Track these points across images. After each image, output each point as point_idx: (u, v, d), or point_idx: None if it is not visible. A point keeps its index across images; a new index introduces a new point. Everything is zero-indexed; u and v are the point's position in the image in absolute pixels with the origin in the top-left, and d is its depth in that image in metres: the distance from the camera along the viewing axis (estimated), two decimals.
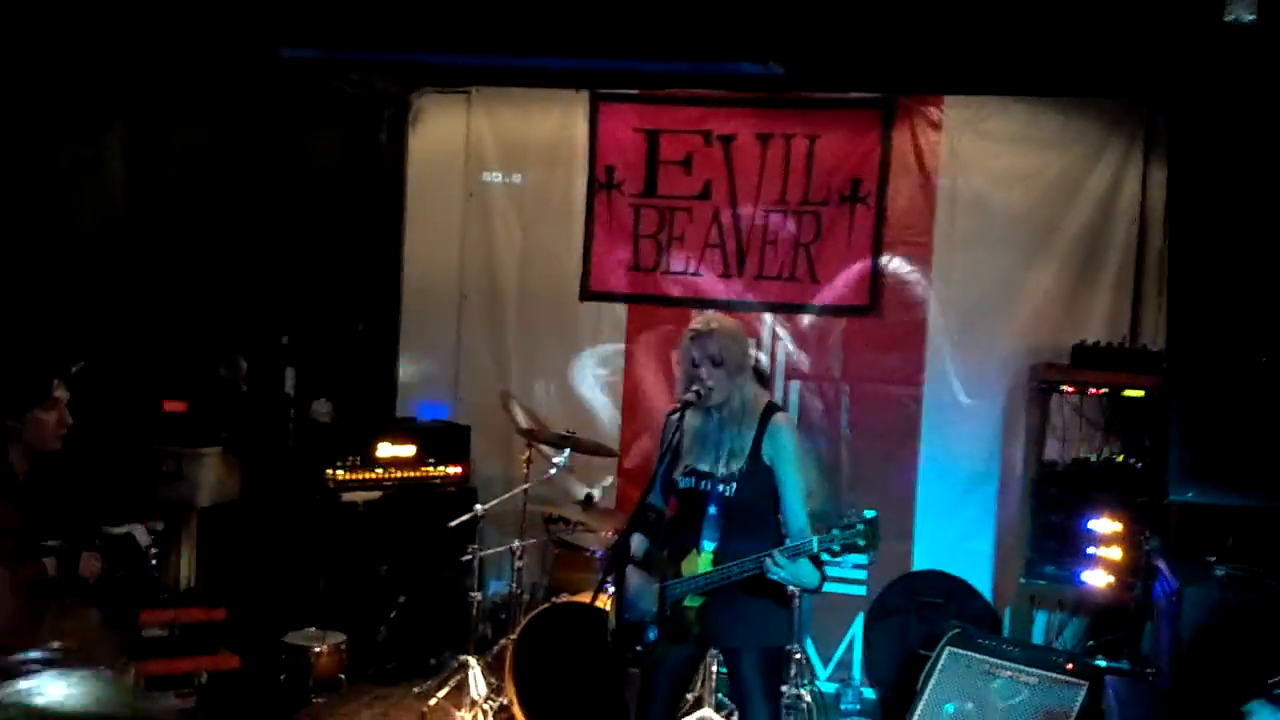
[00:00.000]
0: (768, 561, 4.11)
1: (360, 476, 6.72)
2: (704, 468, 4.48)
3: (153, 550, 5.17)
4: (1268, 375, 5.02)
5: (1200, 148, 5.68)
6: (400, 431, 6.97)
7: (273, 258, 6.92)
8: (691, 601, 4.32)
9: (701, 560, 4.30)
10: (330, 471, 6.64)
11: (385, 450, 6.82)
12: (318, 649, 6.06)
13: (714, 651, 4.83)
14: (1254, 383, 5.07)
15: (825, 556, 4.12)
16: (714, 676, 5.18)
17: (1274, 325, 5.12)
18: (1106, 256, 6.51)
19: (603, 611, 4.67)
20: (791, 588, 4.36)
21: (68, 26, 5.62)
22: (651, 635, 4.35)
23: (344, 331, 7.40)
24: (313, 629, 6.23)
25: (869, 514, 3.98)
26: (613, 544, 5.54)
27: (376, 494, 6.72)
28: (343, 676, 6.17)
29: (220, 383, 6.55)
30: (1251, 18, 4.06)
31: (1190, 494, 5.07)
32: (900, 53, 6.04)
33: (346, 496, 6.64)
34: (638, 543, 4.53)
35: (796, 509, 4.40)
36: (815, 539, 4.07)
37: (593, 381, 7.26)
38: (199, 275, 6.53)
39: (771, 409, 4.56)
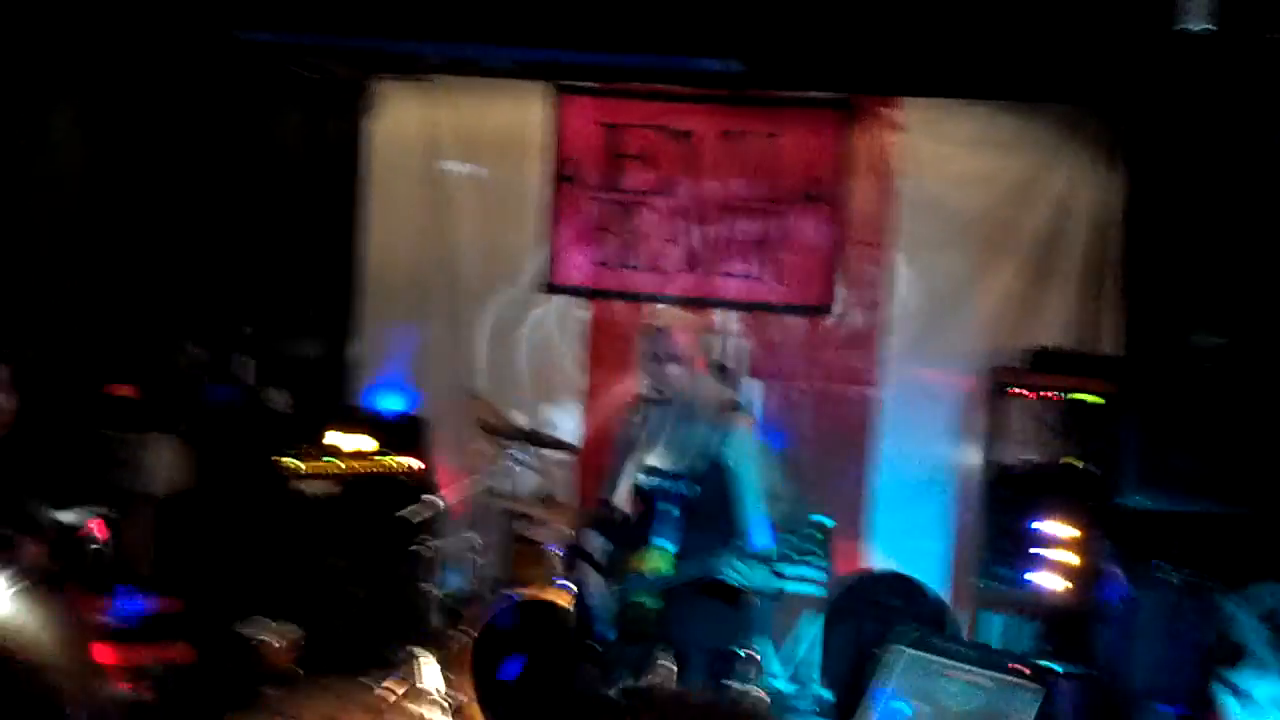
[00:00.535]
0: (725, 566, 4.13)
1: (316, 466, 6.67)
2: (664, 466, 4.49)
3: (97, 539, 5.10)
4: (1220, 382, 5.08)
5: (1156, 154, 5.74)
6: (358, 422, 6.93)
7: (232, 244, 6.85)
8: (649, 602, 4.33)
9: (661, 560, 4.31)
10: (286, 462, 6.59)
11: (341, 440, 6.77)
12: (271, 641, 6.01)
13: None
14: (1207, 389, 5.13)
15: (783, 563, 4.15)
16: (669, 673, 5.18)
17: (1228, 331, 5.19)
18: (1065, 260, 6.57)
19: (563, 608, 4.68)
20: (750, 590, 4.39)
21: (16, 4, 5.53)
22: (609, 634, 4.36)
23: (301, 320, 7.32)
24: (267, 620, 6.17)
25: (827, 521, 4.00)
26: (572, 542, 5.54)
27: (334, 485, 6.67)
28: (298, 670, 6.13)
29: (178, 371, 6.48)
30: (1204, 27, 4.09)
31: (1142, 499, 5.12)
32: (860, 54, 6.05)
33: (303, 487, 6.59)
34: (597, 541, 4.53)
35: (755, 510, 4.42)
36: (773, 545, 4.10)
37: (552, 375, 7.23)
38: (156, 261, 6.45)
39: (733, 408, 4.60)
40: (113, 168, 6.28)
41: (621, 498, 4.69)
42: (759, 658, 6.03)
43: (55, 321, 5.96)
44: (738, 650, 4.64)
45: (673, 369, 4.42)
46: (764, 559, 4.16)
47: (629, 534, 4.52)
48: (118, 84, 6.21)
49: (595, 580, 4.47)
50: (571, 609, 4.70)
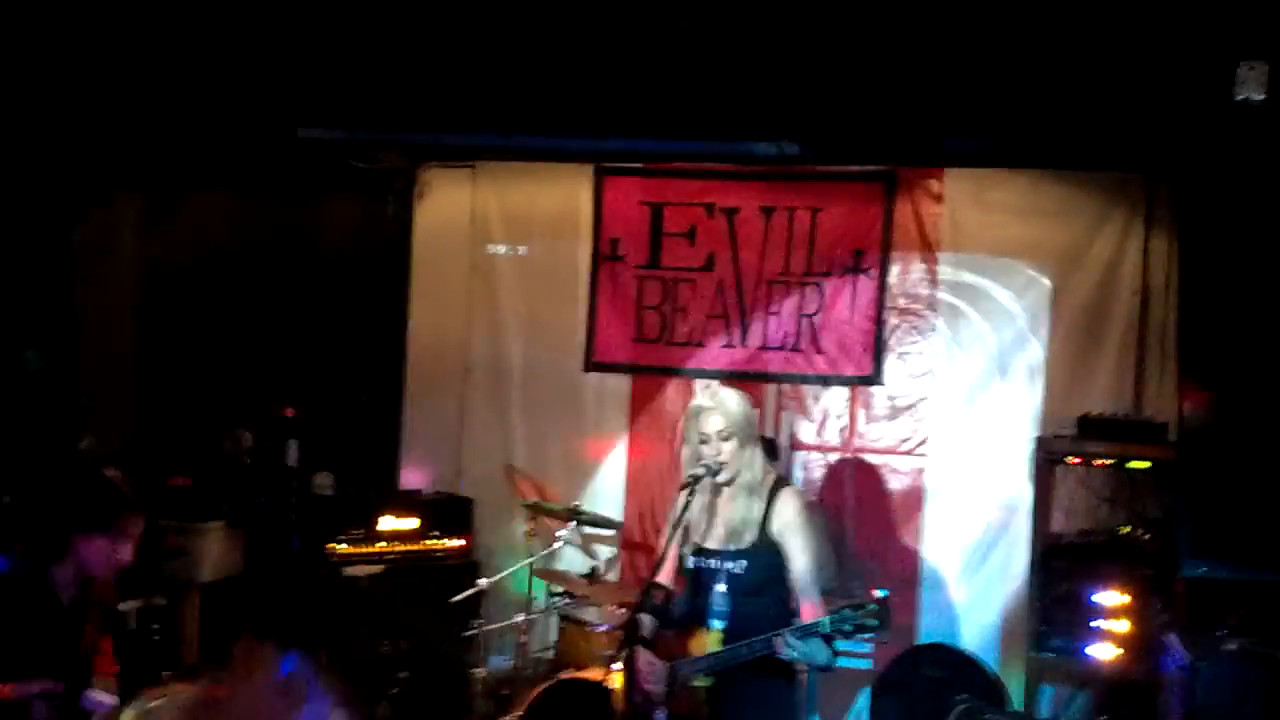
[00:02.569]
0: (779, 641, 4.09)
1: (362, 550, 6.68)
2: (712, 545, 4.46)
3: (154, 626, 5.13)
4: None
5: (1210, 221, 5.73)
6: (403, 504, 6.94)
7: (278, 331, 6.93)
8: (701, 681, 4.28)
9: (711, 639, 4.27)
10: (332, 545, 6.60)
11: (387, 523, 6.78)
12: None
13: None
14: (1263, 456, 5.08)
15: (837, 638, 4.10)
16: None
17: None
18: (1111, 327, 6.52)
19: (611, 688, 4.63)
20: (801, 666, 4.33)
21: (83, 101, 5.66)
22: (661, 717, 4.31)
23: (347, 404, 7.37)
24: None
25: (881, 593, 3.96)
26: (622, 622, 5.50)
27: (379, 567, 6.67)
28: None
29: (224, 456, 6.53)
30: (1261, 97, 4.11)
31: (1202, 569, 5.05)
32: (902, 127, 6.09)
33: (348, 570, 6.59)
34: (647, 622, 4.50)
35: (807, 584, 4.38)
36: (827, 619, 4.06)
37: (595, 452, 7.23)
38: (206, 348, 6.54)
39: (779, 483, 4.56)
40: (168, 261, 6.39)
41: (669, 577, 4.66)
42: None
43: (113, 411, 6.04)
44: None
45: (721, 446, 4.40)
46: (816, 633, 4.10)
47: (679, 614, 4.49)
48: (177, 179, 6.33)
49: (646, 662, 4.41)
50: (621, 690, 4.65)
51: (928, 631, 6.64)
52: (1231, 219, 5.64)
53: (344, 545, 6.62)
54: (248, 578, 6.43)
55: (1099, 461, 6.19)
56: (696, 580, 4.48)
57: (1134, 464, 6.06)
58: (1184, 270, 6.32)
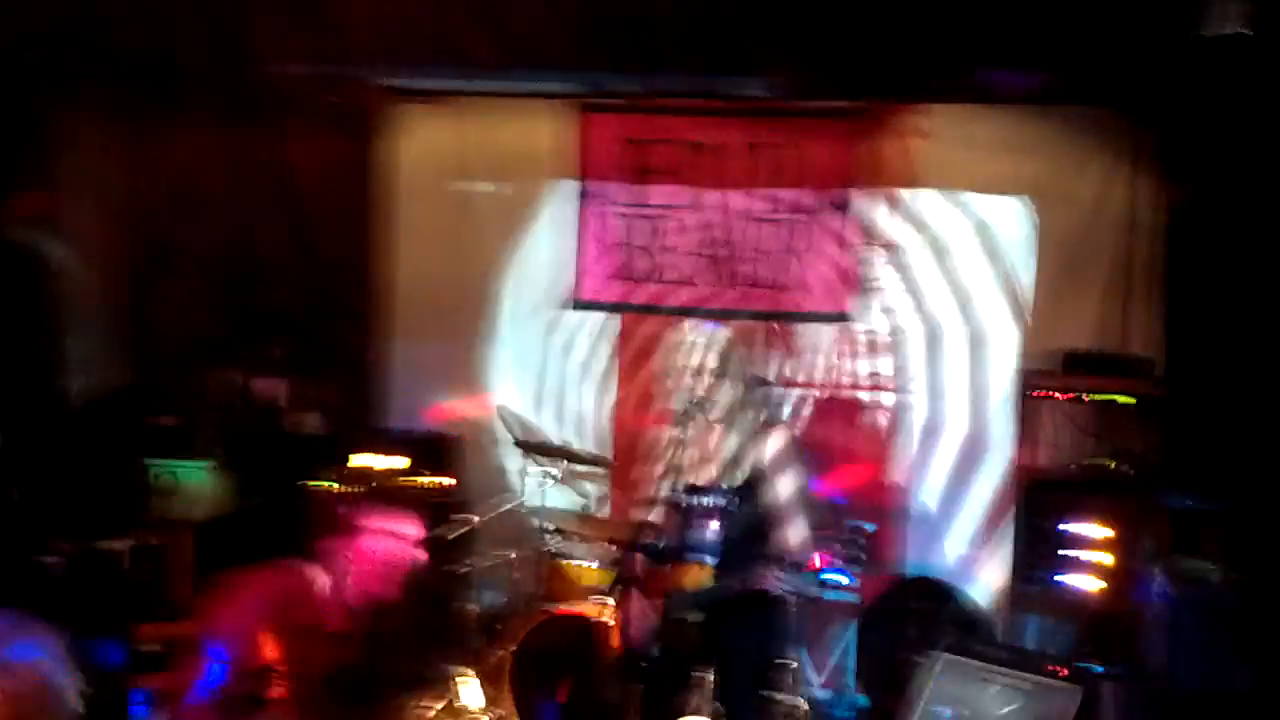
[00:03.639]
0: (769, 575, 4.14)
1: (350, 489, 6.70)
2: (702, 481, 4.51)
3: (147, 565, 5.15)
4: (1263, 384, 5.08)
5: (1194, 156, 5.74)
6: (390, 442, 6.95)
7: (262, 270, 6.90)
8: (693, 616, 4.35)
9: (703, 574, 4.32)
10: (321, 484, 6.61)
11: (375, 461, 6.79)
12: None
13: None
14: (1249, 391, 5.13)
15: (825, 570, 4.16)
16: (709, 686, 5.18)
17: (1270, 334, 5.18)
18: (1093, 263, 6.55)
19: (601, 623, 4.69)
20: (790, 598, 4.39)
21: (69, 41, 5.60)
22: (653, 650, 4.38)
23: (334, 343, 7.36)
24: None
25: (868, 527, 4.01)
26: (613, 558, 5.56)
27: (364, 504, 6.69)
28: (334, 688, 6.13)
29: (212, 396, 6.53)
30: (1236, 29, 4.11)
31: (1183, 498, 5.11)
32: (884, 62, 6.07)
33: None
34: (639, 559, 4.55)
35: (793, 519, 4.43)
36: (816, 553, 4.11)
37: (583, 390, 7.25)
38: (189, 288, 6.52)
39: (768, 419, 4.60)
40: (150, 198, 6.35)
41: (660, 514, 4.70)
42: (799, 667, 6.06)
43: (99, 351, 6.02)
44: (778, 661, 4.65)
45: (710, 383, 4.43)
46: (803, 566, 4.16)
47: (668, 550, 4.54)
48: (154, 115, 6.27)
49: (636, 596, 4.47)
50: (610, 624, 4.71)
51: (913, 565, 6.72)
52: (1218, 155, 5.65)
53: (329, 483, 6.63)
54: (238, 517, 6.45)
55: (1080, 395, 6.24)
56: (687, 516, 4.53)
57: (1119, 398, 6.12)
58: (1171, 206, 6.34)
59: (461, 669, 5.83)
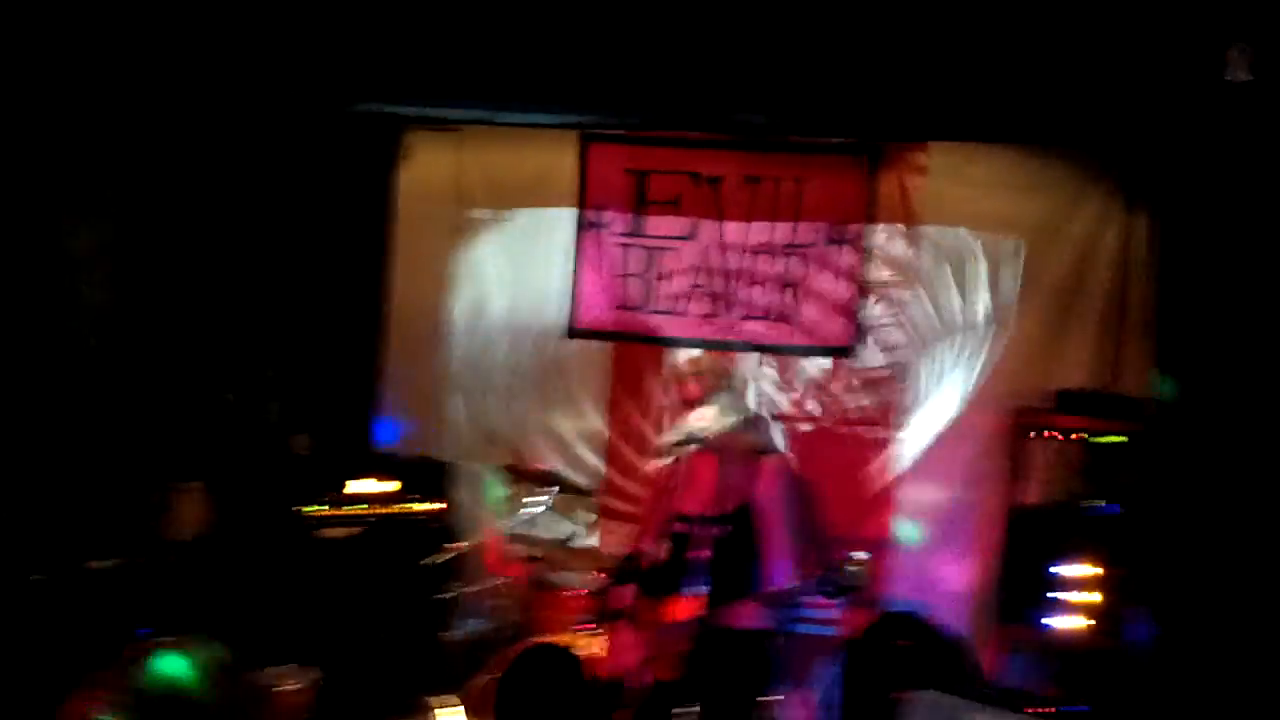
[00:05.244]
0: (756, 609, 4.13)
1: (338, 512, 6.68)
2: (695, 511, 4.50)
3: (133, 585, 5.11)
4: (1251, 423, 5.10)
5: (1189, 199, 5.78)
6: (381, 466, 6.93)
7: (260, 292, 6.89)
8: (680, 647, 4.33)
9: (690, 605, 4.31)
10: (307, 507, 6.59)
11: (365, 485, 6.77)
12: (292, 686, 5.98)
13: None
14: (1238, 431, 5.15)
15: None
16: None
17: (1260, 375, 5.21)
18: (1086, 302, 6.59)
19: (588, 653, 4.68)
20: (778, 631, 4.39)
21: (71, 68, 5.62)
22: (643, 681, 4.36)
23: (327, 366, 7.35)
24: (288, 666, 6.16)
25: (861, 555, 4.01)
26: (599, 588, 5.55)
27: (355, 529, 6.68)
28: (318, 715, 6.10)
29: (206, 416, 6.51)
30: (1247, 78, 4.16)
31: (1170, 539, 5.12)
32: (886, 101, 6.12)
33: (324, 532, 6.59)
34: (628, 591, 4.54)
35: (785, 552, 4.43)
36: (804, 585, 4.10)
37: (575, 419, 7.25)
38: (187, 309, 6.50)
39: (765, 451, 4.60)
40: (147, 220, 6.34)
41: (651, 544, 4.69)
42: (783, 702, 6.03)
43: (93, 371, 6.00)
44: (766, 695, 4.64)
45: (704, 413, 4.44)
46: (795, 599, 4.15)
47: (661, 580, 4.53)
48: (160, 140, 6.27)
49: (624, 626, 4.46)
50: (597, 654, 4.70)
51: (898, 601, 6.71)
52: (1210, 197, 5.69)
53: (320, 507, 6.61)
54: (225, 538, 6.42)
55: (1071, 434, 6.26)
56: (679, 546, 4.52)
57: (1108, 438, 6.13)
58: (1162, 248, 6.38)
59: (445, 697, 5.81)
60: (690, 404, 4.49)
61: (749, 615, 4.17)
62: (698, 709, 4.93)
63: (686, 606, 4.33)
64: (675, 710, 4.55)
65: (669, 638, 4.36)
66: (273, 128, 6.75)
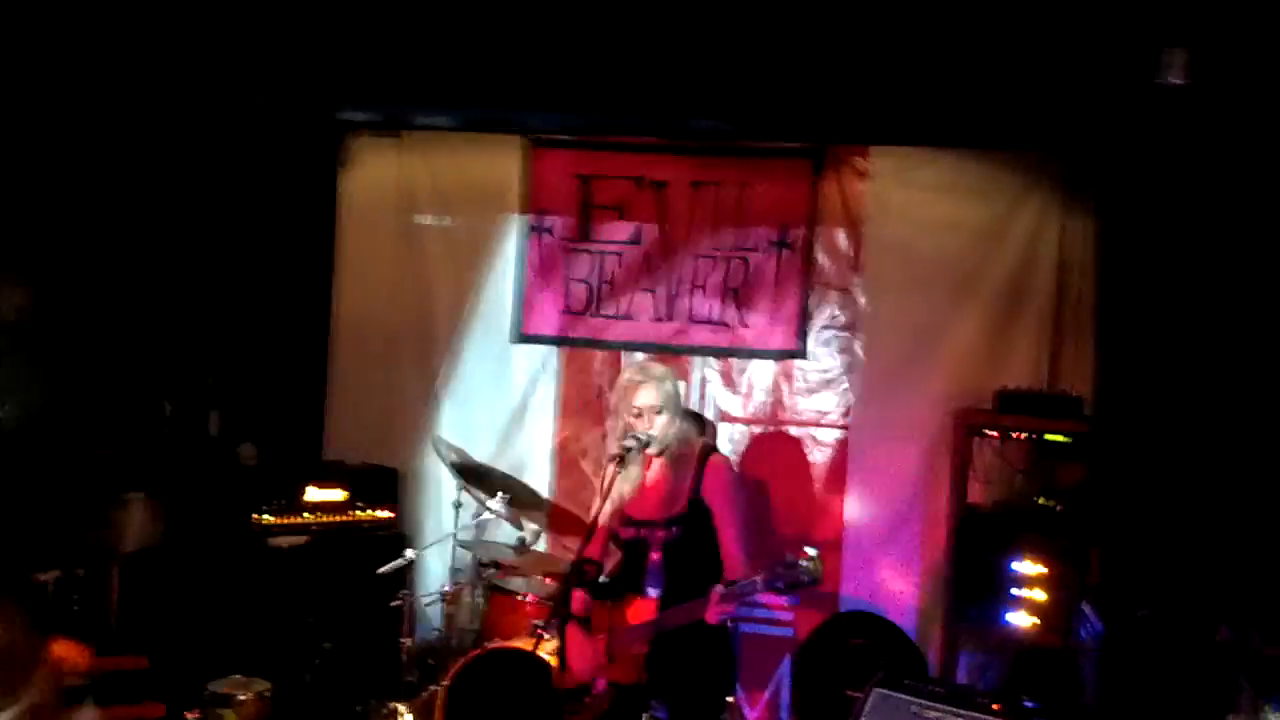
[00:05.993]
0: (709, 609, 4.14)
1: (287, 521, 6.63)
2: (644, 515, 4.51)
3: (74, 597, 5.06)
4: (1194, 422, 5.18)
5: (1131, 200, 5.87)
6: (328, 475, 6.90)
7: (199, 299, 6.83)
8: (636, 650, 4.34)
9: (646, 608, 4.32)
10: (256, 516, 6.55)
11: (313, 494, 6.73)
12: (242, 696, 5.93)
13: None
14: (1179, 430, 5.23)
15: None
16: None
17: (1198, 374, 5.29)
18: (1031, 303, 6.66)
19: (539, 659, 4.66)
20: (732, 631, 4.41)
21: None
22: (597, 685, 4.37)
23: (271, 373, 7.29)
24: (238, 676, 6.10)
25: (812, 551, 4.02)
26: (550, 593, 5.54)
27: (304, 538, 6.63)
28: None
29: (145, 426, 6.44)
30: (1182, 82, 4.23)
31: (1117, 539, 5.19)
32: (829, 105, 6.17)
33: (273, 541, 6.55)
34: (579, 597, 4.54)
35: (736, 548, 4.45)
36: (758, 579, 4.10)
37: (524, 424, 7.24)
38: (123, 316, 6.42)
39: (708, 451, 4.62)
40: (79, 225, 6.25)
41: (599, 550, 4.70)
42: (741, 701, 6.07)
43: (30, 381, 5.91)
44: (723, 694, 4.66)
45: (652, 419, 4.45)
46: (750, 592, 4.15)
47: (613, 584, 4.54)
48: (94, 141, 6.19)
49: (576, 631, 4.46)
50: (548, 660, 4.69)
51: (849, 600, 6.75)
52: (1148, 199, 5.78)
53: (267, 516, 6.56)
54: (168, 549, 6.35)
55: (1017, 434, 6.33)
56: (631, 550, 4.53)
57: (1051, 437, 6.21)
58: (1101, 248, 6.47)
59: (395, 704, 5.78)
60: (638, 409, 4.48)
61: (704, 612, 4.16)
62: (656, 714, 4.98)
63: (641, 609, 4.34)
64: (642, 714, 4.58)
65: (625, 642, 4.37)
66: (214, 131, 6.69)
